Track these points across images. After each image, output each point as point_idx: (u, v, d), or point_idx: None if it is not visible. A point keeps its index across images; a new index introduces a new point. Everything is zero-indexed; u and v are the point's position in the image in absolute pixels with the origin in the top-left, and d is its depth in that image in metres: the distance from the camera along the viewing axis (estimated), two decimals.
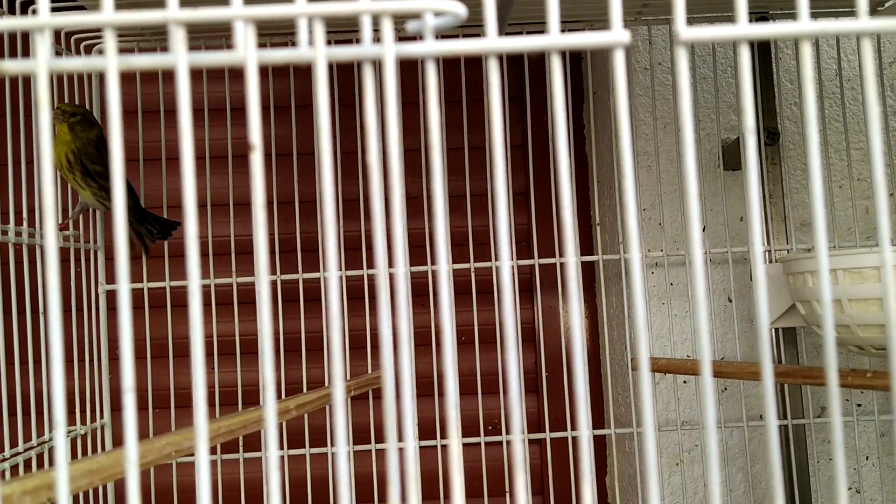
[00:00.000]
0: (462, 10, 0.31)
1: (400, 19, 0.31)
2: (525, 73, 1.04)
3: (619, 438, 1.12)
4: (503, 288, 0.31)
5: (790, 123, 1.02)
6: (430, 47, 0.31)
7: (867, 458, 1.03)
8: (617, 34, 0.31)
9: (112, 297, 0.93)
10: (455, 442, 0.30)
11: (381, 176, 0.30)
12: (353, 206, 0.98)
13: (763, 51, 0.97)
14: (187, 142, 0.29)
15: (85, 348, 0.87)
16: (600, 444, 1.17)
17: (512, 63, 1.14)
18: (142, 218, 0.89)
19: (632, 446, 1.11)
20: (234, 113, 0.98)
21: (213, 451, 0.92)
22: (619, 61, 0.31)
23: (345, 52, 0.31)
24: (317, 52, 0.30)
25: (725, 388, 1.04)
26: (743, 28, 0.31)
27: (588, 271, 1.18)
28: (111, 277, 0.94)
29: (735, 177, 1.04)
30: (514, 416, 0.30)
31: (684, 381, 1.04)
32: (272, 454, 0.29)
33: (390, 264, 0.30)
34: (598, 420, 1.15)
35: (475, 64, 1.05)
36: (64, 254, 0.88)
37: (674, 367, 0.87)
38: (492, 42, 0.31)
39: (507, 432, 1.03)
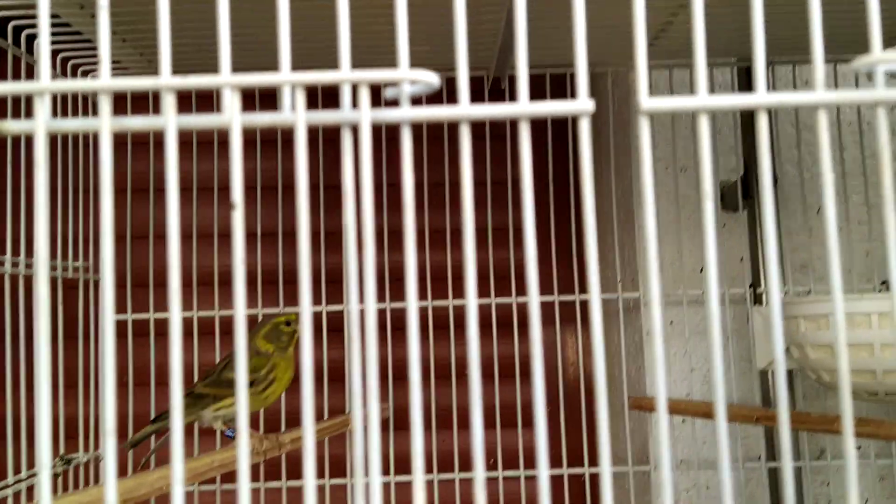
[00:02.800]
0: (435, 80, 0.33)
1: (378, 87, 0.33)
2: None
3: (615, 478, 1.12)
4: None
5: (790, 167, 1.03)
6: (406, 113, 0.33)
7: (867, 500, 1.02)
8: (582, 103, 0.33)
9: (119, 326, 0.95)
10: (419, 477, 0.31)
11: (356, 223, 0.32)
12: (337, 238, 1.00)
13: None
14: (174, 206, 0.31)
15: (91, 376, 0.89)
16: (596, 484, 1.17)
17: (495, 100, 1.15)
18: None
19: (628, 485, 1.11)
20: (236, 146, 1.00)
21: (212, 481, 0.94)
22: (584, 129, 0.33)
23: (325, 117, 0.33)
24: (297, 117, 0.32)
25: None
26: (703, 99, 0.33)
27: (587, 309, 1.18)
28: (119, 307, 0.96)
29: (736, 217, 1.05)
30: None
31: (682, 421, 1.05)
32: (243, 488, 0.30)
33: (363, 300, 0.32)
34: (595, 458, 1.15)
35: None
36: (73, 284, 0.90)
37: (671, 407, 0.88)
38: (464, 109, 0.33)
39: (504, 467, 1.03)
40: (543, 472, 0.31)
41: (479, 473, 0.31)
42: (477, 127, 1.03)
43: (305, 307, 0.32)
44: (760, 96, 0.33)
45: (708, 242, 0.33)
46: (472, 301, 0.32)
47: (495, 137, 1.03)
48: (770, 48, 0.94)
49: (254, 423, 0.92)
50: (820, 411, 0.98)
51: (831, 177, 0.33)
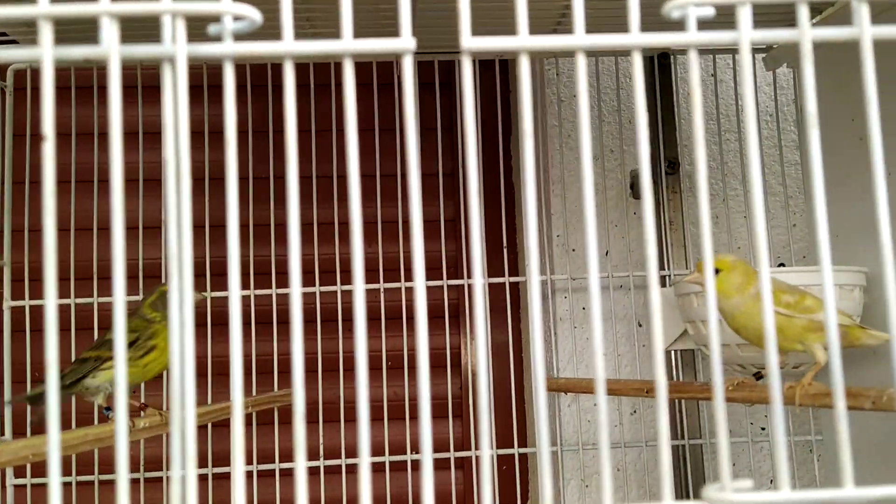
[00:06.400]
0: (257, 16, 0.33)
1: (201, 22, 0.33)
2: (456, 104, 1.06)
3: (527, 459, 1.13)
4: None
5: (691, 153, 1.06)
6: (228, 48, 0.33)
7: (771, 481, 1.05)
8: (404, 41, 0.33)
9: (17, 314, 0.93)
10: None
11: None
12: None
13: (664, 82, 1.01)
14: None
15: None
16: (524, 467, 1.17)
17: (443, 92, 1.14)
18: None
19: (554, 467, 1.12)
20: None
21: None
22: (407, 66, 0.33)
23: (141, 51, 0.32)
24: (110, 50, 0.31)
25: (635, 412, 1.06)
26: (523, 40, 0.33)
27: (515, 294, 1.19)
28: (17, 294, 0.93)
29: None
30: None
31: (594, 404, 1.06)
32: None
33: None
34: (524, 440, 1.16)
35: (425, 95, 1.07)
36: None
37: (572, 386, 0.89)
38: (287, 45, 0.33)
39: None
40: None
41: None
42: (367, 119, 1.04)
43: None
44: (578, 38, 0.34)
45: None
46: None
47: (385, 131, 1.04)
48: None
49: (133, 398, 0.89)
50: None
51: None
